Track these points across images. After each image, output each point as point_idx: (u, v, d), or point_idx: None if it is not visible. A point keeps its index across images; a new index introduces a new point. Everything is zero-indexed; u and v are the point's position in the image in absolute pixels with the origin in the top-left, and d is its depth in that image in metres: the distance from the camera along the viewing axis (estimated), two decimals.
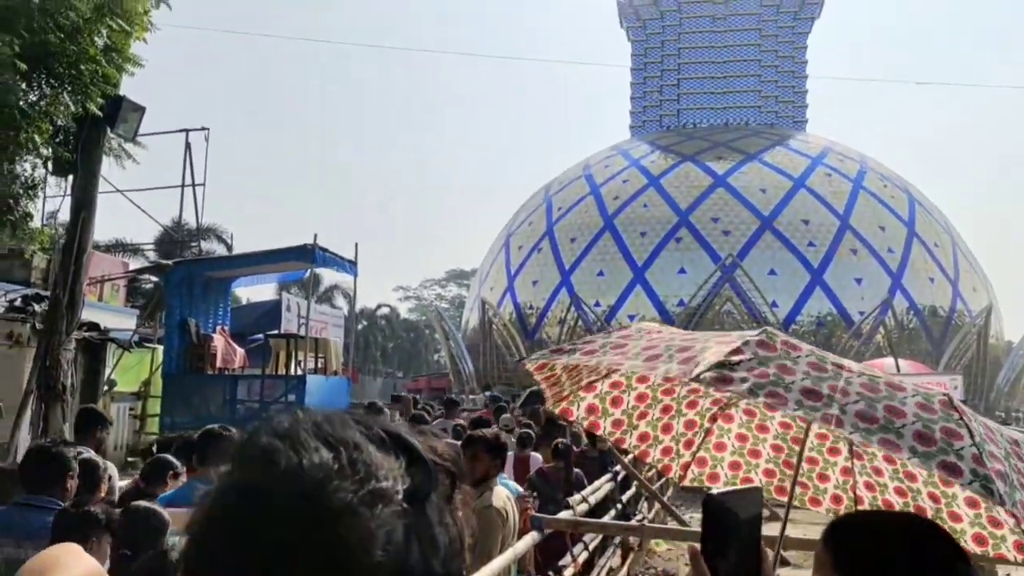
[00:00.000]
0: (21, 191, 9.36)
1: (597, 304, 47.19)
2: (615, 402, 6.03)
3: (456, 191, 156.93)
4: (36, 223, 9.85)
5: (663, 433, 6.02)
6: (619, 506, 9.26)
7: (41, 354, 9.02)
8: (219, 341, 17.35)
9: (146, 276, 28.21)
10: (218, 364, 17.03)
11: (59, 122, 8.63)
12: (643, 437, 6.06)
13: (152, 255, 32.40)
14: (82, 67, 8.72)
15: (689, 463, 4.34)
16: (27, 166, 9.30)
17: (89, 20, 8.53)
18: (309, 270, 18.75)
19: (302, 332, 20.90)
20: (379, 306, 63.68)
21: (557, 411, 6.98)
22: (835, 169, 49.66)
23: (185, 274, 17.12)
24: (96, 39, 8.87)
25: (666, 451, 5.00)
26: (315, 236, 16.14)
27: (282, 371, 17.30)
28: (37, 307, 14.93)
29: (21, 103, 8.38)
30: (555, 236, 50.76)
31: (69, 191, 9.75)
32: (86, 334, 15.39)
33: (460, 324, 57.89)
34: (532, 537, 5.12)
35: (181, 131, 24.03)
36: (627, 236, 47.87)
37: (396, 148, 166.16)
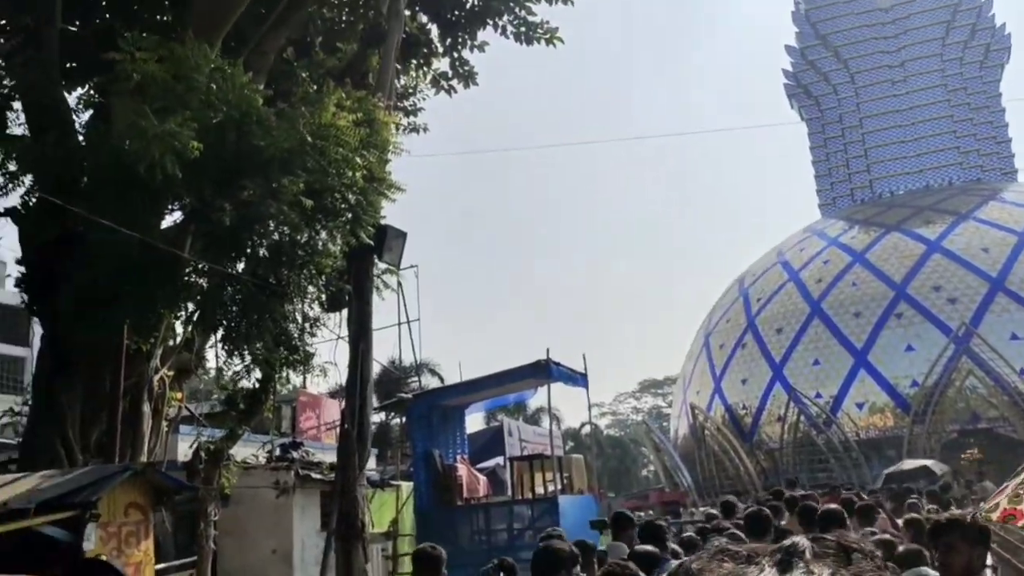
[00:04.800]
0: (298, 332, 9.37)
1: (818, 395, 44.14)
2: None
3: (634, 300, 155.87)
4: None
5: None
6: None
7: (337, 492, 8.76)
8: (462, 470, 17.00)
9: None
10: (464, 494, 16.61)
11: (337, 255, 8.63)
12: None
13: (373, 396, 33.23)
14: (351, 198, 8.74)
15: None
16: (303, 305, 9.34)
17: (355, 150, 8.59)
18: (537, 388, 18.31)
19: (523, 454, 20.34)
20: (582, 424, 62.68)
21: (995, 517, 5.65)
22: None
23: (424, 406, 17.07)
24: (359, 171, 8.92)
25: None
26: (547, 351, 15.64)
27: (527, 495, 16.58)
28: (295, 454, 15.16)
29: (301, 239, 8.45)
30: (758, 329, 48.51)
31: (340, 326, 9.73)
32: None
33: (665, 434, 55.80)
34: None
35: (386, 274, 24.79)
36: (839, 319, 44.97)
37: (576, 260, 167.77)
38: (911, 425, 40.29)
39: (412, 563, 5.32)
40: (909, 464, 22.92)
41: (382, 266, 10.45)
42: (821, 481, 33.72)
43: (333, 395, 30.03)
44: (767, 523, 6.11)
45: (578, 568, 4.34)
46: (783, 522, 7.85)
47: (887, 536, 6.07)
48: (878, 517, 7.86)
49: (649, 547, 5.33)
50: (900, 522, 7.73)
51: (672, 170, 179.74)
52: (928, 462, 23.09)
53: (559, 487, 15.89)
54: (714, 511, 11.95)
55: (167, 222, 9.97)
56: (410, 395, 17.86)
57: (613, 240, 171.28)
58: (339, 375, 9.96)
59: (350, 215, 8.72)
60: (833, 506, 6.33)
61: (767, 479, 43.18)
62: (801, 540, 0.77)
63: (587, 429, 63.56)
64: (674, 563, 3.98)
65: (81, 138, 9.72)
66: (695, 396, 50.58)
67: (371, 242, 8.92)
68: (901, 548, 5.33)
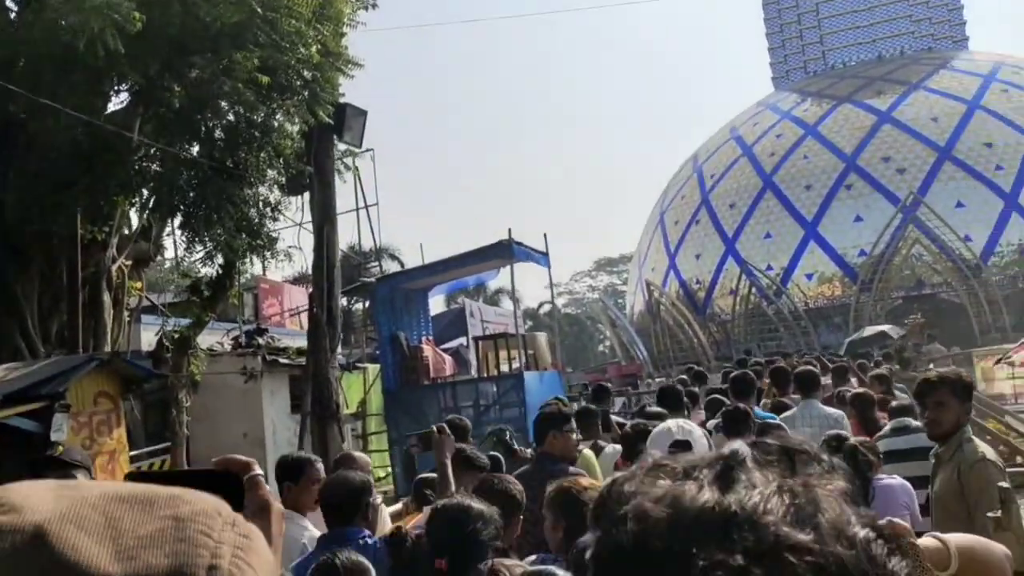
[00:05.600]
0: (259, 217, 9.16)
1: (769, 268, 45.08)
2: None
3: (589, 179, 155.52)
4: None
5: None
6: None
7: (310, 374, 8.77)
8: (428, 351, 17.17)
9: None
10: (431, 373, 16.83)
11: (296, 135, 8.34)
12: None
13: None
14: (306, 74, 8.40)
15: None
16: (263, 189, 9.09)
17: (309, 22, 8.19)
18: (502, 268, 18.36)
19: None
20: (540, 304, 63.49)
21: (1019, 361, 5.81)
22: (1011, 83, 45.36)
23: (388, 289, 17.04)
24: (314, 45, 8.53)
25: None
26: (509, 231, 15.59)
27: (492, 372, 16.86)
28: (261, 340, 15.12)
29: (258, 119, 8.14)
30: (712, 205, 48.91)
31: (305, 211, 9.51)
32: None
33: (620, 310, 56.85)
34: None
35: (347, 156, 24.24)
36: (791, 192, 45.46)
37: (533, 139, 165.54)
38: (858, 293, 41.51)
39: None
40: (869, 331, 23.96)
41: (342, 147, 10.15)
42: (771, 349, 34.83)
43: (295, 282, 29.88)
44: (751, 385, 6.31)
45: (573, 423, 4.75)
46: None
47: (871, 393, 6.30)
48: (850, 377, 8.20)
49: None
50: (867, 378, 8.09)
51: (633, 44, 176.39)
52: (886, 327, 23.98)
53: (524, 363, 16.17)
54: (685, 377, 12.25)
55: (114, 106, 9.53)
56: (373, 280, 17.77)
57: (569, 117, 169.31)
58: (304, 260, 9.80)
59: (307, 92, 8.40)
60: (808, 367, 6.58)
61: (719, 350, 44.49)
62: (740, 448, 0.68)
63: (545, 308, 64.43)
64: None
65: (14, 15, 9.11)
66: (650, 272, 51.29)
67: (331, 121, 8.62)
68: (895, 403, 5.60)
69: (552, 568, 2.43)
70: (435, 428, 4.16)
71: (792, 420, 5.60)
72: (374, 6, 16.71)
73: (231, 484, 0.95)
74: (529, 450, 5.48)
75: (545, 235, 17.00)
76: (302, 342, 17.41)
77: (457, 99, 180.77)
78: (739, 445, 0.69)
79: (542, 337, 18.49)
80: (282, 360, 13.53)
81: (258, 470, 1.02)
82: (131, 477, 0.99)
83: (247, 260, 9.03)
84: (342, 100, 9.24)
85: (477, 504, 2.77)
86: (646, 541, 0.62)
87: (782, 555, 0.58)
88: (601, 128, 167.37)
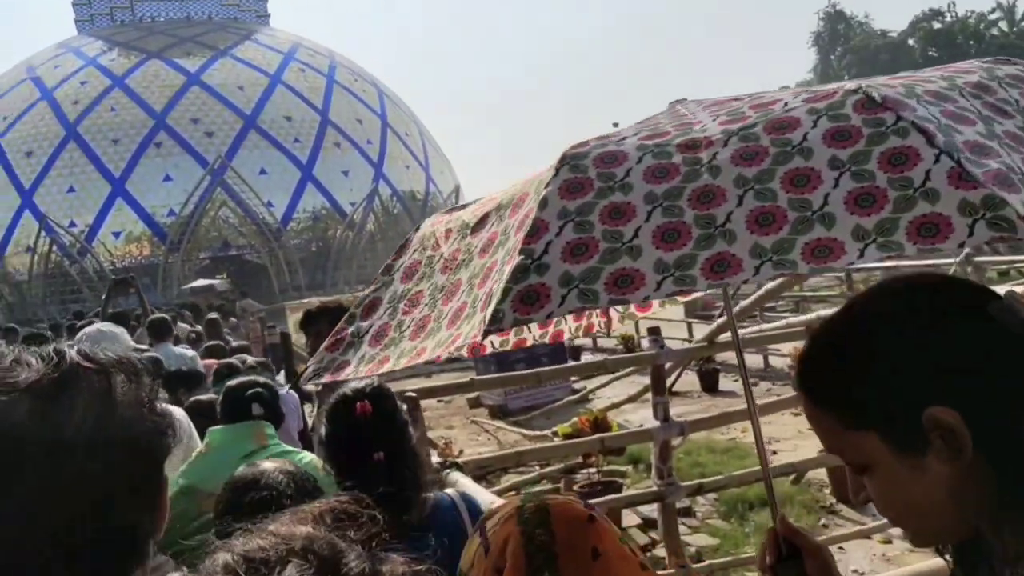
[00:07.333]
0: None
1: (73, 224, 42.05)
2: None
3: None
4: None
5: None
6: None
7: None
8: None
9: None
10: None
11: None
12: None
13: None
14: None
15: None
16: None
17: None
18: None
19: None
20: None
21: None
22: (308, 64, 50.21)
23: None
24: None
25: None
26: None
27: None
28: None
29: None
30: (4, 151, 43.32)
31: None
32: None
33: None
34: None
35: None
36: (97, 145, 42.92)
37: None
38: (167, 254, 41.49)
39: None
40: (201, 283, 25.13)
41: None
42: (74, 311, 32.53)
43: None
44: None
45: None
46: None
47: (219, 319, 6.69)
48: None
49: None
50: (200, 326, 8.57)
51: None
52: (216, 281, 25.49)
53: None
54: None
55: None
56: None
57: None
58: None
59: None
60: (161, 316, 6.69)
61: (13, 313, 39.92)
62: None
63: None
64: None
65: None
66: None
67: None
68: (235, 343, 5.92)
69: None
70: None
71: None
72: None
73: None
74: None
75: None
76: None
77: None
78: None
79: None
80: None
81: None
82: None
83: None
84: None
85: None
86: None
87: None
88: None
